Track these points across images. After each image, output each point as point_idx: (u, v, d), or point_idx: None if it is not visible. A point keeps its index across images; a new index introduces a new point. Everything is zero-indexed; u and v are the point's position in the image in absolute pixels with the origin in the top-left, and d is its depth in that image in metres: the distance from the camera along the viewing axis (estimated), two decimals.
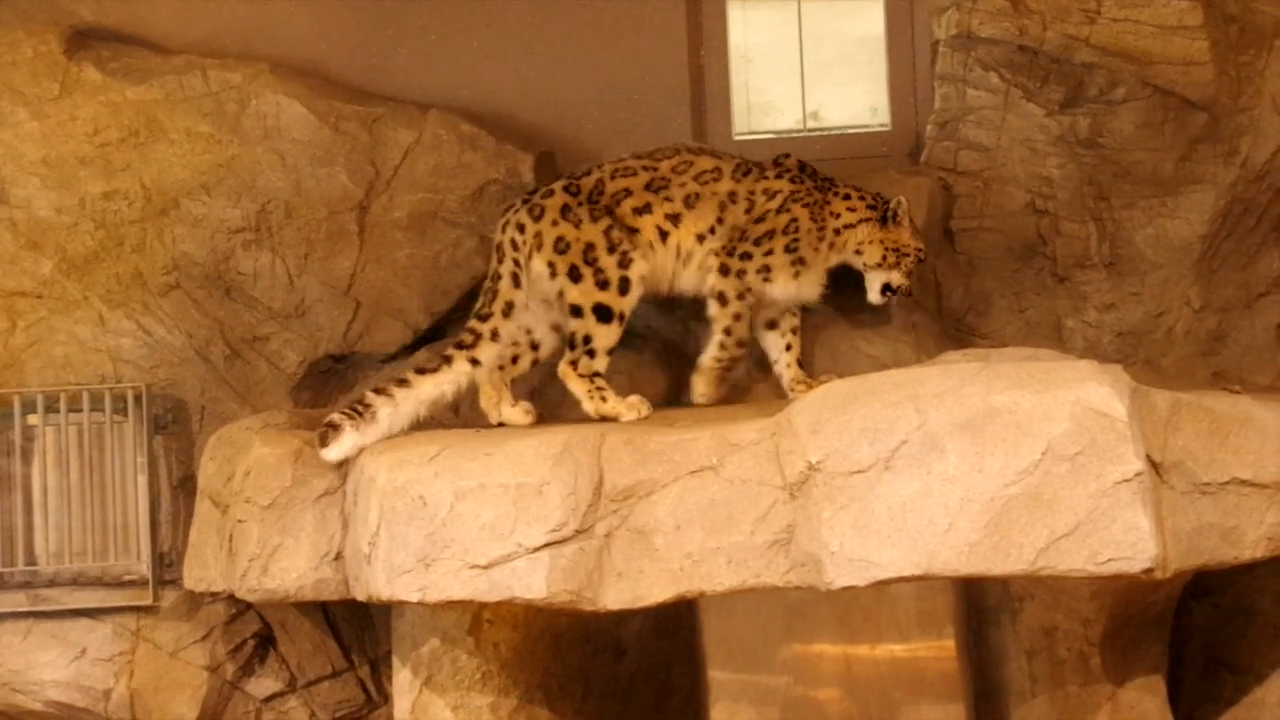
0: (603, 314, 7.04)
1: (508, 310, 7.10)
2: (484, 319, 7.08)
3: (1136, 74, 7.74)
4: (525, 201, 7.22)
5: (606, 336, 7.04)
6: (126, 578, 7.90)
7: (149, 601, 7.88)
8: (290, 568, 6.74)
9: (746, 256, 7.32)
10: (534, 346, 7.23)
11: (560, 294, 7.06)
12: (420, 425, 6.79)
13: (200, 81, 8.08)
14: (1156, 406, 6.21)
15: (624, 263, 7.08)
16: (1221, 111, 7.73)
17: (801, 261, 7.37)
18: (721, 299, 7.31)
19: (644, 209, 7.24)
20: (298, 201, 7.98)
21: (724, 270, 7.31)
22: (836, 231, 7.45)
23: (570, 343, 7.05)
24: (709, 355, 7.34)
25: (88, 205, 7.98)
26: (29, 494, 7.93)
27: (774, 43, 8.48)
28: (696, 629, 7.29)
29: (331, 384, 8.07)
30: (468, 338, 7.02)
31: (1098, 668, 6.88)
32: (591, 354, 7.00)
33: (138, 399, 7.86)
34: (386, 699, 7.69)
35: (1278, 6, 7.82)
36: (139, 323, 7.99)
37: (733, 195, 7.35)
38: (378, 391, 6.79)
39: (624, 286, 7.07)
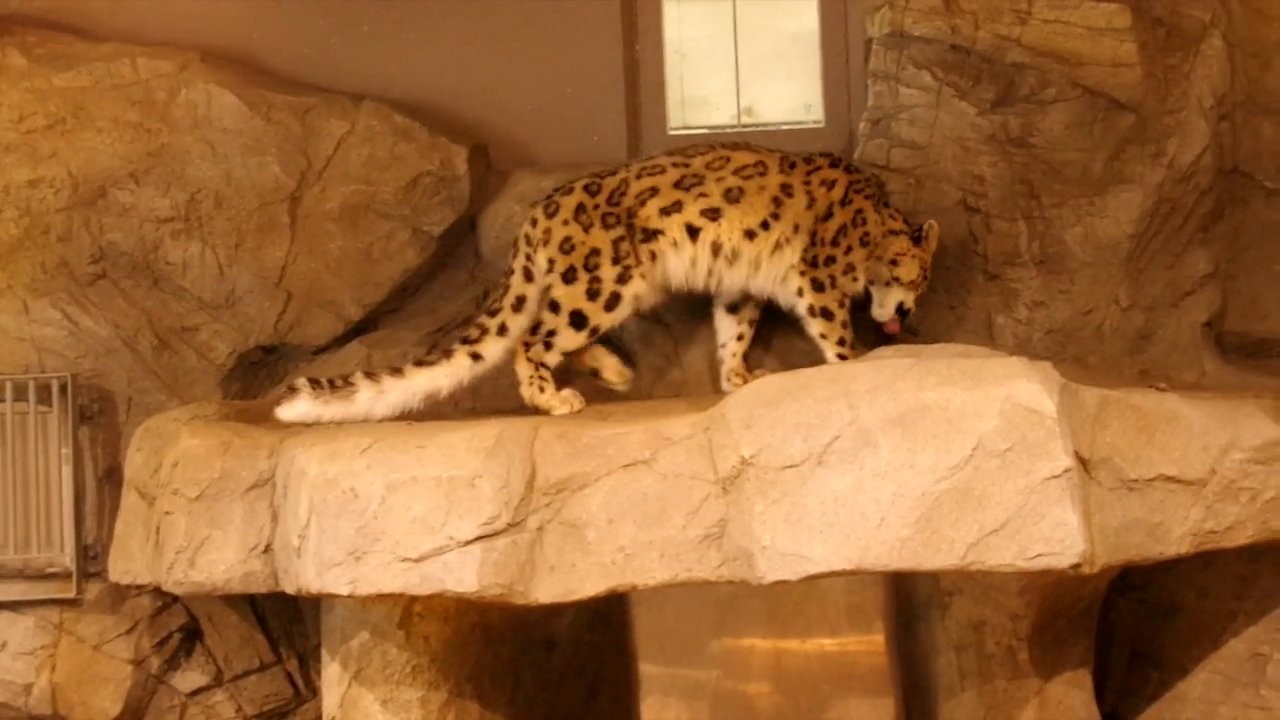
0: (578, 321, 7.13)
1: (518, 305, 7.15)
2: (493, 314, 7.14)
3: (1066, 75, 7.79)
4: (549, 198, 7.27)
5: (570, 340, 7.13)
6: (49, 570, 7.84)
7: (72, 594, 7.83)
8: (218, 560, 6.70)
9: (831, 261, 7.37)
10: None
11: (547, 288, 7.11)
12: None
13: (129, 69, 8.04)
14: (1085, 403, 6.27)
15: (623, 278, 7.15)
16: (1149, 113, 7.79)
17: (872, 255, 7.47)
18: (826, 314, 7.37)
19: (672, 207, 7.27)
20: (228, 191, 7.96)
21: (818, 286, 7.36)
22: (888, 233, 7.53)
23: (534, 329, 7.11)
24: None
25: (12, 193, 7.93)
26: None
27: (709, 38, 8.52)
28: (628, 623, 7.32)
29: (262, 375, 8.05)
30: (473, 332, 7.09)
31: (1025, 662, 6.94)
32: (548, 347, 7.08)
33: (63, 389, 7.81)
34: (315, 693, 7.68)
35: (1204, 11, 7.88)
36: (65, 312, 7.94)
37: (786, 188, 7.38)
38: (367, 375, 6.88)
39: (612, 302, 7.14)
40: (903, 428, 5.93)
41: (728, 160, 7.37)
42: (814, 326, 7.37)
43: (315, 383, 6.89)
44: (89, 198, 7.97)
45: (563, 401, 6.94)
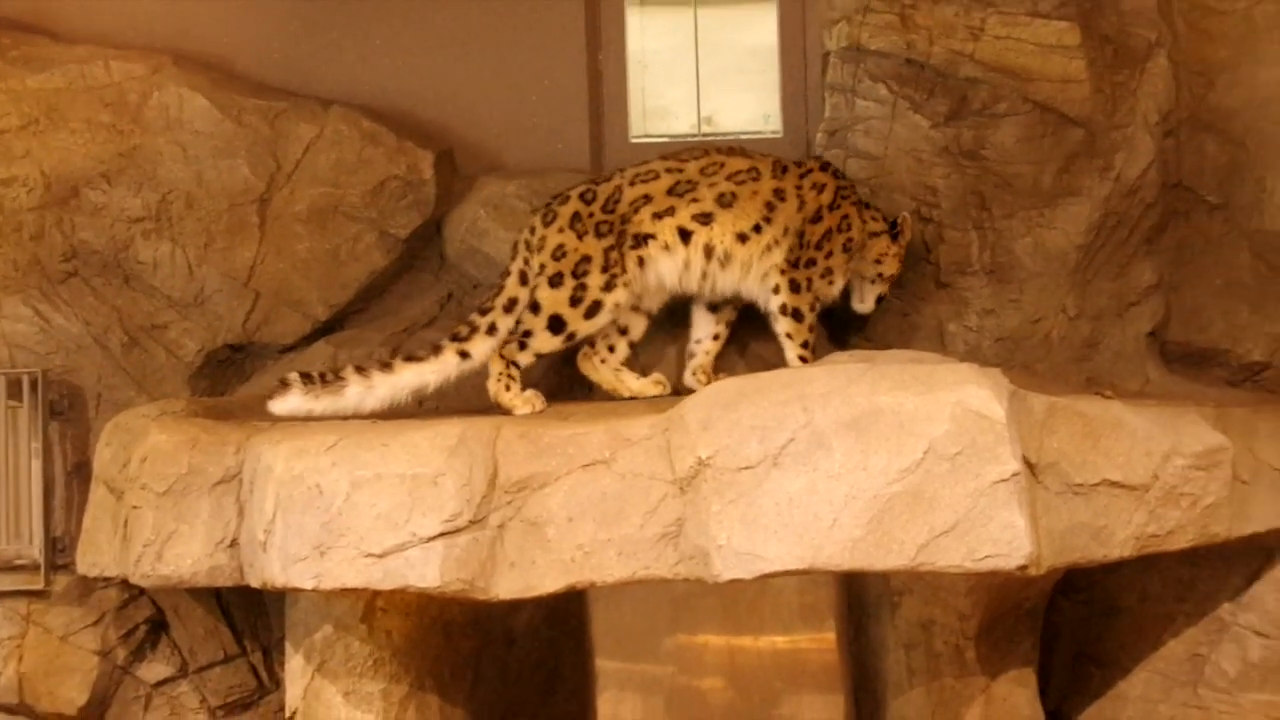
0: (556, 326, 7.14)
1: (510, 306, 7.17)
2: (484, 312, 7.15)
3: (1017, 89, 7.81)
4: (547, 205, 7.28)
5: (547, 344, 7.15)
6: (18, 562, 7.80)
7: (40, 586, 7.79)
8: (185, 554, 6.67)
9: (811, 264, 7.40)
10: (623, 332, 7.40)
11: (534, 289, 7.12)
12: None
13: (102, 72, 8.01)
14: (1033, 409, 6.29)
15: (608, 285, 7.16)
16: (1097, 128, 7.81)
17: (851, 260, 7.51)
18: (796, 315, 7.37)
19: (665, 212, 7.28)
20: (199, 192, 7.93)
21: (795, 286, 7.36)
22: (871, 235, 7.57)
23: (513, 328, 7.12)
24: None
25: None
26: None
27: (671, 49, 8.52)
28: (585, 619, 7.31)
29: (230, 373, 8.03)
30: (463, 330, 7.09)
31: (972, 661, 6.97)
32: (523, 347, 7.10)
33: (33, 385, 7.78)
34: (278, 685, 7.63)
35: (1151, 30, 7.91)
36: (36, 309, 7.90)
37: (779, 192, 7.39)
38: (358, 369, 6.89)
39: (593, 310, 7.16)
40: (856, 431, 5.94)
41: (721, 166, 7.38)
42: (782, 325, 7.38)
43: (306, 377, 6.88)
44: (61, 197, 7.93)
45: (525, 401, 6.94)
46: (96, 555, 7.19)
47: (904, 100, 7.89)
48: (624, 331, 7.40)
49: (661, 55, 8.51)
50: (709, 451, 6.01)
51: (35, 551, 7.80)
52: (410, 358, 7.00)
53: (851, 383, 6.06)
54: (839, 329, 7.72)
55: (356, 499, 6.10)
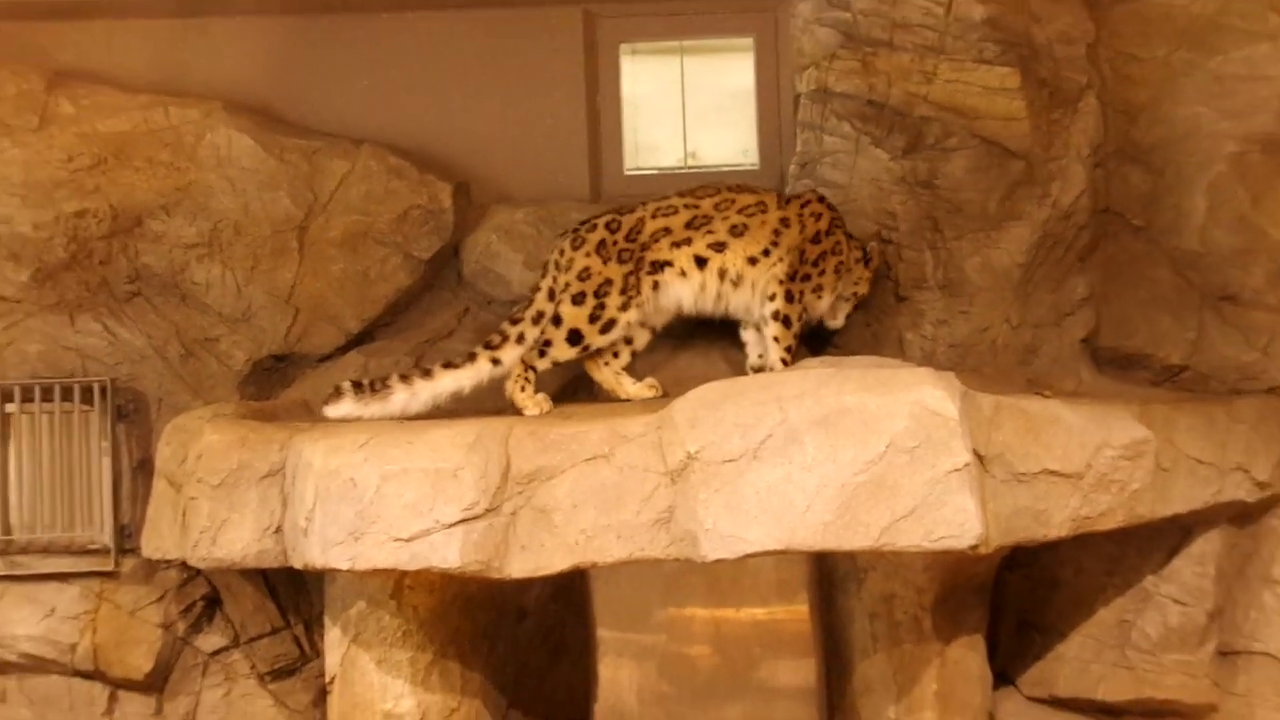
0: (574, 338, 7.05)
1: (537, 318, 7.07)
2: (514, 323, 7.07)
3: (966, 126, 7.75)
4: (575, 231, 7.19)
5: (564, 353, 7.07)
6: (91, 547, 7.77)
7: (110, 568, 7.76)
8: (236, 539, 6.64)
9: (806, 279, 7.34)
10: (628, 342, 7.28)
11: (558, 304, 7.05)
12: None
13: (162, 116, 7.97)
14: (982, 407, 6.25)
15: (624, 305, 7.09)
16: (1036, 160, 7.76)
17: (840, 281, 7.48)
18: (786, 321, 7.29)
19: (682, 243, 7.21)
20: (246, 221, 7.88)
21: (789, 297, 7.29)
22: (855, 260, 7.54)
23: (536, 337, 7.04)
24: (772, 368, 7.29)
25: (62, 222, 7.82)
26: (5, 473, 7.79)
27: (660, 92, 8.45)
28: (587, 595, 7.26)
29: (274, 380, 7.98)
30: (495, 339, 7.01)
31: (929, 629, 6.90)
32: (543, 354, 7.02)
33: (103, 391, 7.75)
34: (318, 654, 7.59)
35: (1081, 75, 7.86)
36: (105, 325, 7.87)
37: (784, 220, 7.32)
38: (402, 378, 6.81)
39: (608, 326, 7.08)
40: (826, 427, 5.90)
41: (733, 202, 7.31)
42: (771, 329, 7.29)
43: (357, 385, 6.81)
44: (127, 226, 7.89)
45: (535, 404, 6.87)
46: (159, 540, 7.14)
47: (866, 136, 7.85)
48: (629, 342, 7.32)
49: (651, 97, 8.45)
50: (697, 446, 5.98)
51: (106, 538, 7.76)
52: (448, 365, 6.92)
53: (822, 385, 6.02)
54: (811, 338, 7.65)
55: (386, 490, 6.06)
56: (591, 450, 6.17)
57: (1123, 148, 8.00)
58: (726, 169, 8.35)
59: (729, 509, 5.90)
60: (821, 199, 7.50)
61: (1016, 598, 7.59)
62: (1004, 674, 7.54)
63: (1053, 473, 6.44)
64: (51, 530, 7.75)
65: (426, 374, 6.87)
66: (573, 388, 7.53)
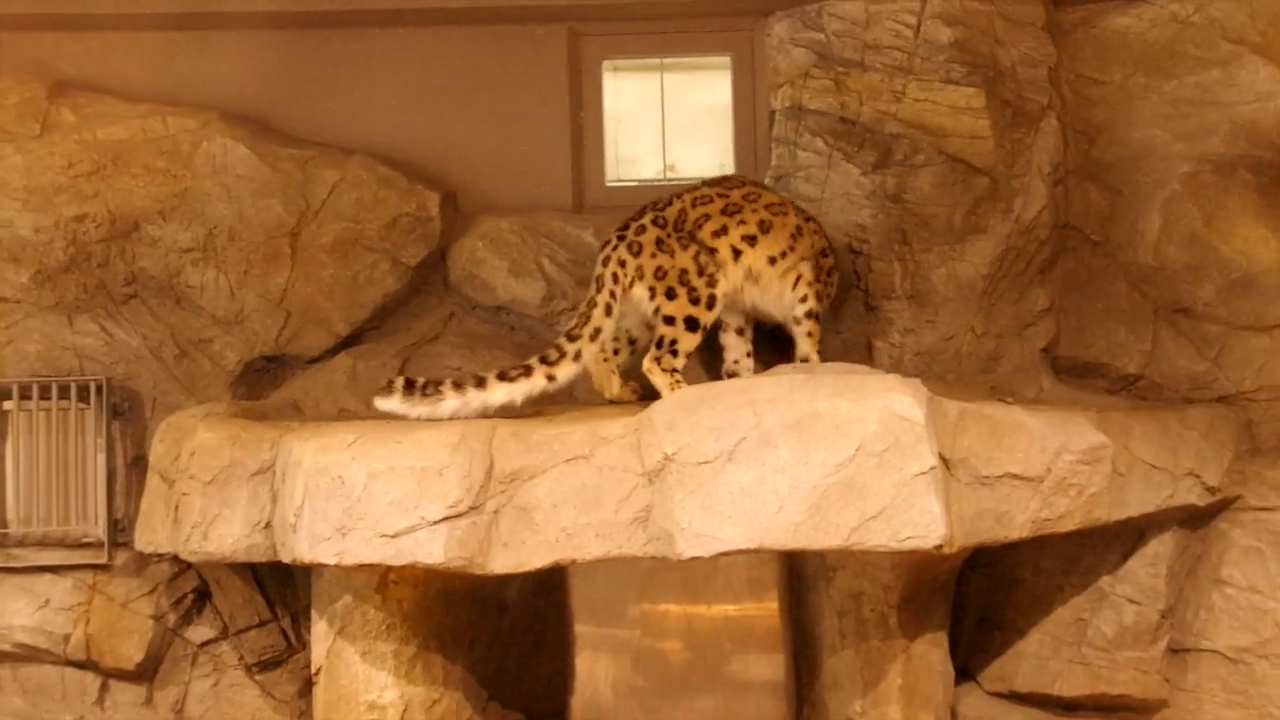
0: (691, 325, 6.96)
1: (595, 335, 6.87)
2: (573, 339, 6.83)
3: (933, 144, 7.75)
4: (621, 238, 7.04)
5: (690, 342, 6.96)
6: (85, 540, 7.71)
7: (104, 560, 7.70)
8: (227, 534, 6.62)
9: (823, 285, 7.40)
10: (631, 342, 7.23)
11: (656, 309, 6.95)
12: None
13: (160, 125, 7.90)
14: (947, 413, 6.25)
15: (711, 282, 7.01)
16: (999, 176, 7.75)
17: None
18: (816, 319, 7.33)
19: (721, 231, 7.13)
20: (240, 227, 7.82)
21: (818, 297, 7.35)
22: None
23: (658, 343, 6.94)
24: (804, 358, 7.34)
25: (62, 226, 7.75)
26: (3, 468, 7.73)
27: (640, 107, 8.41)
28: (566, 590, 7.20)
29: (265, 380, 7.92)
30: (552, 354, 6.75)
31: (895, 626, 6.87)
32: (675, 354, 6.91)
33: (99, 390, 7.69)
34: (305, 646, 7.53)
35: (1043, 96, 7.85)
36: (102, 326, 7.81)
37: (799, 229, 7.32)
38: (456, 385, 6.57)
39: (711, 302, 7.00)
40: (798, 431, 5.88)
41: (759, 196, 7.29)
42: (806, 326, 7.32)
43: (409, 384, 6.56)
44: (124, 231, 7.82)
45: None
46: (152, 535, 7.09)
47: (838, 152, 7.84)
48: (632, 342, 7.27)
49: (632, 112, 8.41)
50: (673, 448, 5.96)
51: (100, 531, 7.70)
52: (503, 376, 6.65)
53: (794, 390, 6.00)
54: (785, 346, 7.60)
55: (373, 488, 6.02)
56: (572, 451, 6.13)
57: (1082, 166, 8.02)
58: None
59: (704, 509, 5.87)
60: (811, 219, 7.53)
61: (978, 596, 7.58)
62: (966, 669, 7.54)
63: (1014, 476, 6.45)
64: (47, 524, 7.69)
65: (480, 383, 6.60)
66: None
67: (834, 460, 5.85)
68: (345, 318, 7.88)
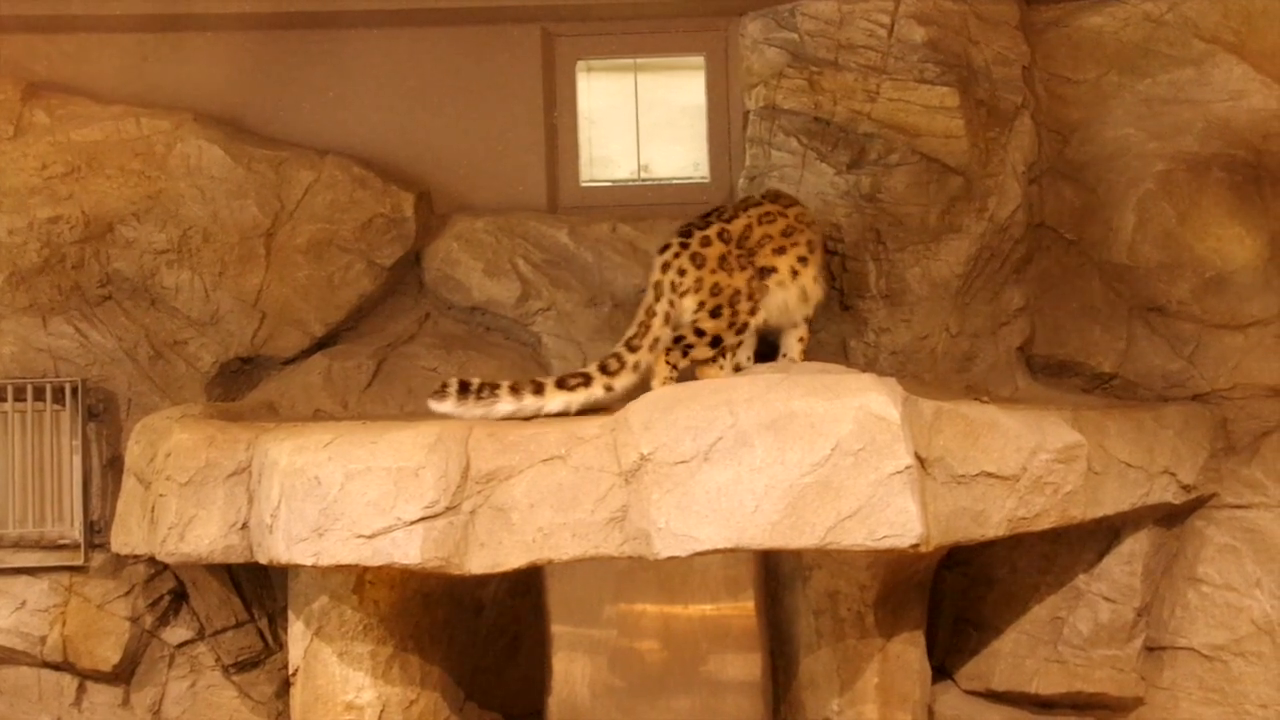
0: (715, 342, 6.89)
1: (654, 345, 6.79)
2: (633, 350, 6.75)
3: (908, 143, 7.74)
4: (684, 246, 6.94)
5: (705, 354, 6.88)
6: (61, 542, 7.66)
7: (80, 562, 7.66)
8: (203, 535, 6.57)
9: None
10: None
11: (695, 321, 6.87)
12: None
13: (134, 127, 7.86)
14: (923, 412, 6.25)
15: (753, 310, 6.98)
16: (974, 176, 7.75)
17: None
18: (809, 324, 7.31)
19: (780, 251, 7.11)
20: (214, 228, 7.78)
21: (816, 304, 7.31)
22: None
23: (676, 339, 6.85)
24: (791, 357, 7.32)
25: (36, 228, 7.72)
26: None
27: (614, 107, 8.38)
28: (543, 590, 7.19)
29: (240, 381, 7.89)
30: (613, 364, 6.67)
31: (871, 625, 6.88)
32: (684, 354, 6.82)
33: (74, 391, 7.65)
34: (282, 646, 7.53)
35: (1017, 95, 7.85)
36: (77, 327, 7.76)
37: (816, 240, 7.35)
38: (513, 389, 6.48)
39: (743, 329, 6.96)
40: (774, 431, 5.87)
41: (805, 212, 7.32)
42: (802, 330, 7.28)
43: (464, 386, 6.47)
44: (99, 232, 7.78)
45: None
46: (128, 536, 7.08)
47: (812, 152, 7.83)
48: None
49: (606, 112, 8.38)
50: (650, 448, 5.94)
51: (76, 533, 7.66)
52: (562, 385, 6.56)
53: (770, 390, 5.99)
54: (760, 345, 7.57)
55: (349, 488, 6.00)
56: (549, 451, 6.11)
57: (1056, 165, 8.02)
58: (678, 182, 8.34)
59: (680, 508, 5.86)
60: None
61: (954, 595, 7.59)
62: (942, 668, 7.55)
63: (990, 475, 6.45)
64: (23, 525, 7.65)
65: (538, 390, 6.51)
66: None
67: (810, 460, 5.83)
68: (320, 319, 7.85)
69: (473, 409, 6.45)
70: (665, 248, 7.00)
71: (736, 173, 8.09)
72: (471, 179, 8.16)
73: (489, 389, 6.48)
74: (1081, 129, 8.05)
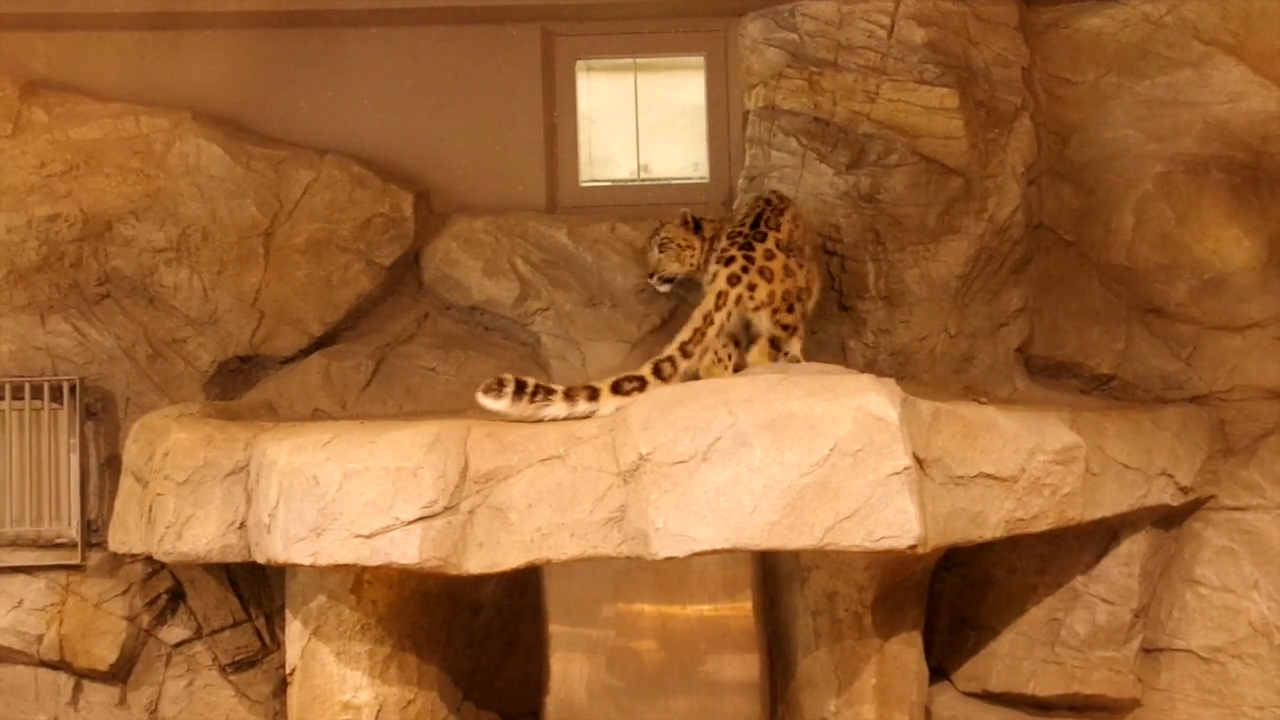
0: (792, 331, 7.02)
1: (705, 352, 6.77)
2: (686, 355, 6.66)
3: (907, 144, 7.74)
4: (749, 260, 6.94)
5: (794, 346, 7.06)
6: (58, 540, 7.66)
7: (77, 561, 7.66)
8: (201, 534, 6.55)
9: None
10: (735, 344, 7.10)
11: (776, 323, 7.02)
12: None
13: (133, 125, 7.87)
14: (921, 413, 6.23)
15: (805, 298, 7.16)
16: (973, 177, 7.76)
17: None
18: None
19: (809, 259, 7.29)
20: (213, 227, 7.79)
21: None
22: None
23: (772, 342, 7.01)
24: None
25: (34, 226, 7.72)
26: None
27: (614, 107, 8.39)
28: (541, 590, 7.19)
29: (239, 380, 7.88)
30: (667, 368, 6.56)
31: (869, 625, 6.86)
32: (775, 350, 6.99)
33: (72, 390, 7.65)
34: (279, 646, 7.49)
35: (1016, 96, 7.86)
36: (75, 326, 7.76)
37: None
38: (567, 393, 6.37)
39: (805, 316, 7.13)
40: (773, 431, 5.86)
41: (800, 213, 7.39)
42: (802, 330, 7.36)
43: (520, 386, 6.35)
44: (97, 231, 7.78)
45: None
46: (125, 535, 7.07)
47: (812, 152, 7.84)
48: (736, 343, 7.11)
49: (606, 112, 8.39)
50: (648, 448, 5.92)
51: (73, 532, 7.65)
52: (617, 389, 6.43)
53: (769, 390, 5.98)
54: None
55: (348, 488, 5.98)
56: (547, 451, 6.09)
57: (1055, 166, 8.03)
58: (678, 182, 8.34)
59: (679, 509, 5.84)
60: None
61: (952, 596, 7.59)
62: (940, 669, 7.55)
63: (988, 476, 6.44)
64: (20, 524, 7.64)
65: (593, 395, 6.39)
66: None
67: (809, 460, 5.82)
68: (319, 318, 7.85)
69: (525, 409, 6.35)
70: (729, 259, 6.95)
71: (736, 173, 8.10)
72: (470, 179, 8.17)
73: (544, 392, 6.36)
74: (1080, 130, 8.05)
